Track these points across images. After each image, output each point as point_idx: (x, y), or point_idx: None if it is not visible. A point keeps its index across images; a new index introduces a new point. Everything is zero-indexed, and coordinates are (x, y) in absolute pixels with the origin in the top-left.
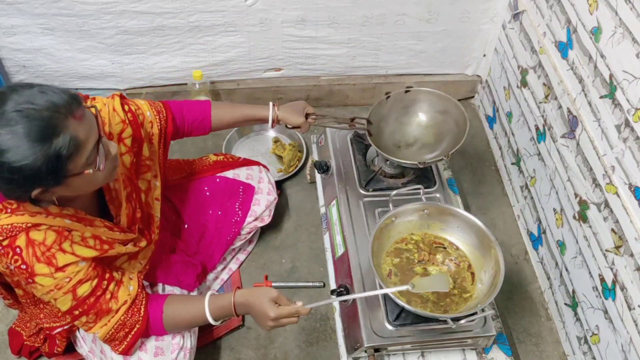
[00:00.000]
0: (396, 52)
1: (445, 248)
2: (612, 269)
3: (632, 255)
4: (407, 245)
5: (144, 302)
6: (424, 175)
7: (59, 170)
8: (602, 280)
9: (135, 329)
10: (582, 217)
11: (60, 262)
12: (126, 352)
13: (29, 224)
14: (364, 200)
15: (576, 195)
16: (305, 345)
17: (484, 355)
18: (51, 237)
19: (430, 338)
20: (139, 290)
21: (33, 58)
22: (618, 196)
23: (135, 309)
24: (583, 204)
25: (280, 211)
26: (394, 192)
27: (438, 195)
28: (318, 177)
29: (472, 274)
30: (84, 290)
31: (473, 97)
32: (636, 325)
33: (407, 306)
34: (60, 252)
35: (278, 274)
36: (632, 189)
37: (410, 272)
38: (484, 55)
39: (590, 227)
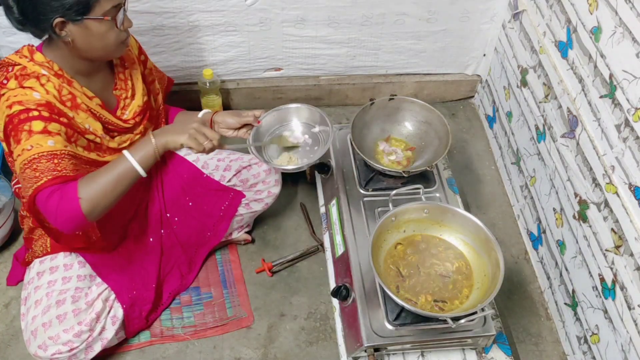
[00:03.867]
0: (396, 51)
1: (445, 248)
2: (612, 269)
3: (632, 255)
4: (406, 245)
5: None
6: (423, 175)
7: (87, 3)
8: (602, 280)
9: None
10: (582, 217)
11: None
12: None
13: (36, 74)
14: (364, 200)
15: (576, 194)
16: (305, 344)
17: (483, 354)
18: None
19: (430, 338)
20: (61, 152)
21: None
22: (618, 196)
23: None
24: (583, 204)
25: (280, 211)
26: (394, 191)
27: (438, 194)
28: (318, 177)
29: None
30: (16, 109)
31: (473, 96)
32: (636, 325)
33: (407, 306)
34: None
35: (278, 273)
36: (632, 189)
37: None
38: (484, 55)
39: (590, 226)
